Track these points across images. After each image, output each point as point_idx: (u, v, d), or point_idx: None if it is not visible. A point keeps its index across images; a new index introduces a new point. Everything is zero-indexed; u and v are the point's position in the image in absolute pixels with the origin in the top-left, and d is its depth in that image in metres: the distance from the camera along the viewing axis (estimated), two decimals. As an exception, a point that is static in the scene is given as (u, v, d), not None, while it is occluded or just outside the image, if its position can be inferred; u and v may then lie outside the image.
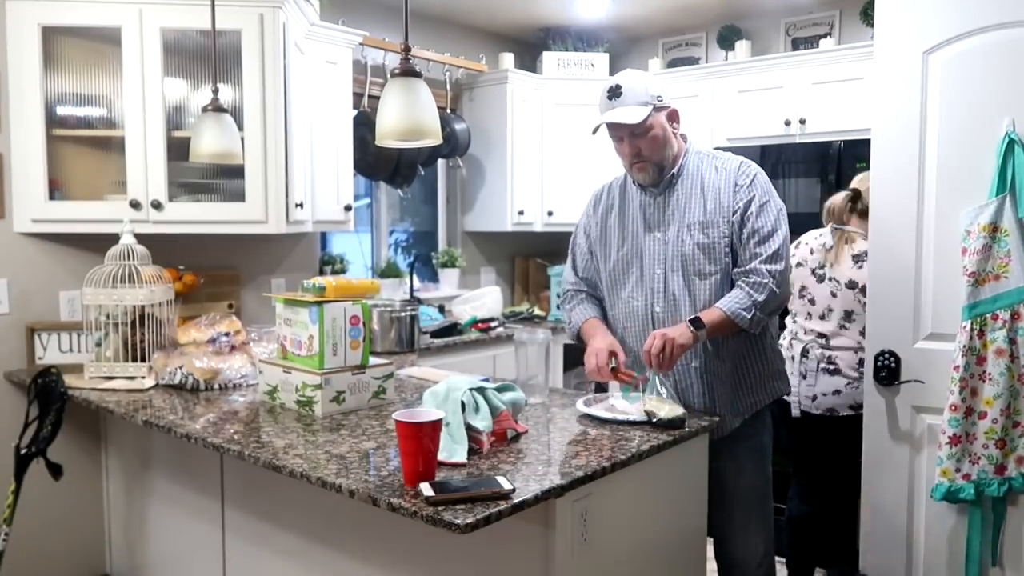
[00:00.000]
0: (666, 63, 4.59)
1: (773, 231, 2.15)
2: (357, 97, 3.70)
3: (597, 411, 2.09)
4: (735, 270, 2.17)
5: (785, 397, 2.45)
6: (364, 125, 3.59)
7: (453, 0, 4.05)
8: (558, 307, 4.33)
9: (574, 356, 3.97)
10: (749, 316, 2.09)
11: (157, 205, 2.79)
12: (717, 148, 4.03)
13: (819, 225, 3.73)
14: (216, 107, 2.53)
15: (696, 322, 2.07)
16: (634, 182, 2.29)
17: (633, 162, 2.21)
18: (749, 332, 2.15)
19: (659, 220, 2.24)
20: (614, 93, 2.17)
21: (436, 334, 3.71)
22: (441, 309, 4.17)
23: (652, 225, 2.25)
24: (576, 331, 2.35)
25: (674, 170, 2.23)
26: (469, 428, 1.79)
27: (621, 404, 2.13)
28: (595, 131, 2.24)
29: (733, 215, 2.16)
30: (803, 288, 2.77)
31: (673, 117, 2.23)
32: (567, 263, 2.48)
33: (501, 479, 1.55)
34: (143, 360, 2.61)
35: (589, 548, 1.70)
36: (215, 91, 2.55)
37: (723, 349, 2.21)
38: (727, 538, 2.32)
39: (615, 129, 2.19)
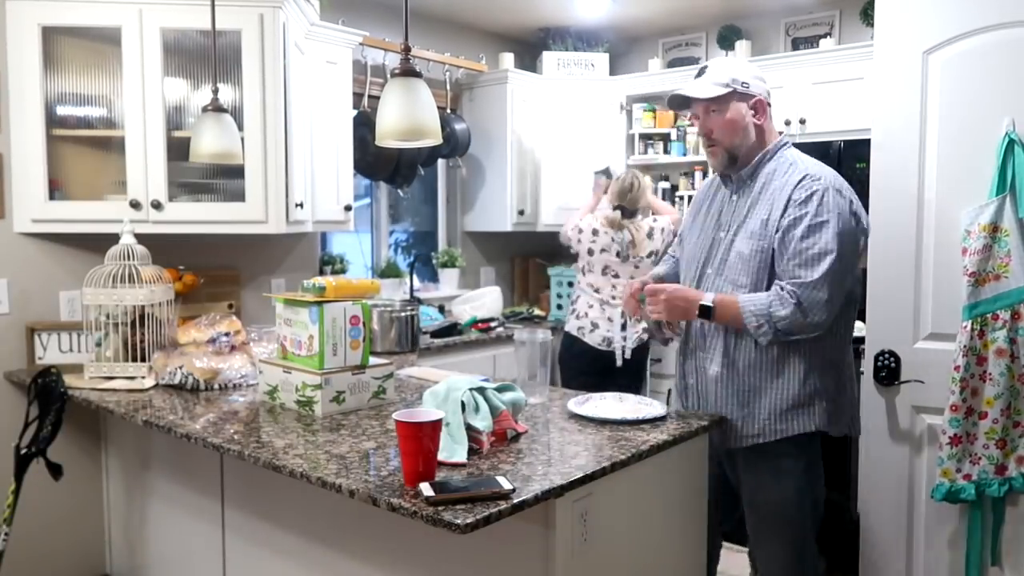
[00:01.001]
0: (666, 63, 4.59)
1: (821, 255, 1.97)
2: (357, 97, 3.70)
3: (588, 411, 2.09)
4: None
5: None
6: (364, 125, 3.59)
7: (453, 0, 4.05)
8: (559, 307, 4.33)
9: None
10: (756, 323, 2.00)
11: (157, 205, 2.79)
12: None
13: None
14: (216, 107, 2.53)
15: (704, 309, 2.06)
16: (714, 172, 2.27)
17: (706, 144, 2.17)
18: (761, 345, 2.06)
19: (728, 220, 2.17)
20: (700, 72, 2.18)
21: (436, 334, 3.71)
22: (441, 309, 4.17)
23: (722, 223, 2.19)
24: None
25: (748, 167, 2.14)
26: (469, 428, 1.79)
27: (613, 404, 2.15)
28: (669, 104, 2.23)
29: (776, 232, 2.04)
30: (606, 267, 3.52)
31: (759, 108, 2.13)
32: None
33: (501, 479, 1.55)
34: (143, 360, 2.61)
35: (589, 548, 1.70)
36: (215, 91, 2.55)
37: (739, 361, 2.12)
38: (752, 546, 2.30)
39: (689, 104, 2.17)
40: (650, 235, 3.53)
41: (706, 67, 2.17)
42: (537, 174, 4.46)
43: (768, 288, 2.05)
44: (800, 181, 2.05)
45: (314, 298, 2.19)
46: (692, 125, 2.21)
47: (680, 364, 2.31)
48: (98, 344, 2.63)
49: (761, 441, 2.12)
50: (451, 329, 3.79)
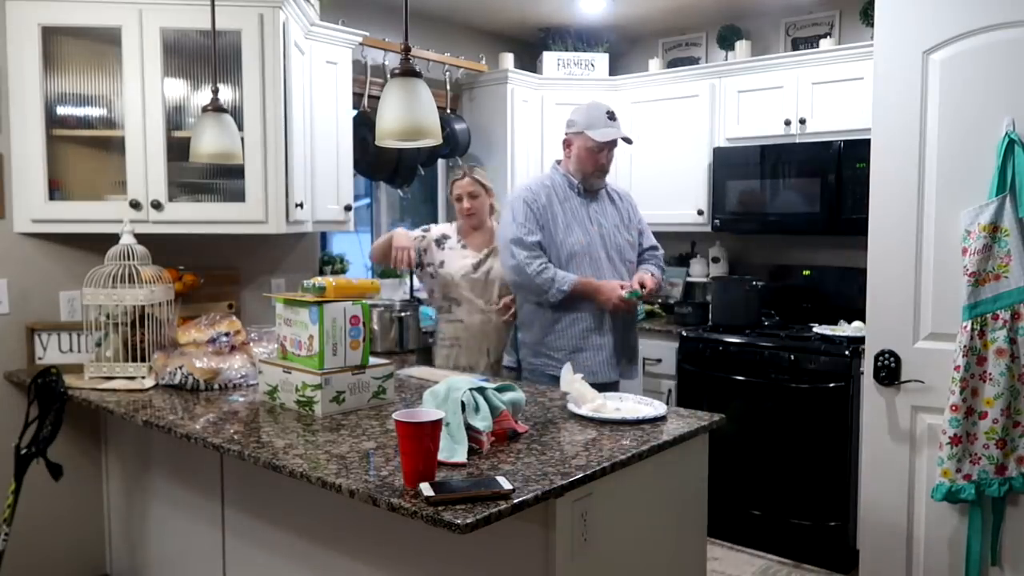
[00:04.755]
0: (666, 63, 4.58)
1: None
2: (357, 97, 3.70)
3: (588, 411, 2.09)
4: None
5: None
6: (364, 125, 3.59)
7: (453, 0, 4.05)
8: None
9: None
10: None
11: (157, 205, 2.79)
12: (717, 148, 4.04)
13: (820, 225, 3.74)
14: (216, 107, 2.53)
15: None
16: (572, 186, 2.99)
17: (604, 171, 2.99)
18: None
19: (598, 220, 3.02)
20: (613, 116, 2.93)
21: (436, 334, 3.70)
22: (441, 309, 4.16)
23: (593, 222, 2.99)
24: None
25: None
26: (469, 428, 1.79)
27: (613, 404, 2.15)
28: (605, 143, 2.91)
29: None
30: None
31: None
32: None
33: (501, 479, 1.55)
34: (143, 360, 2.61)
35: (589, 548, 1.70)
36: (215, 91, 2.55)
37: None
38: None
39: (612, 143, 2.93)
40: None
41: (614, 112, 2.95)
42: (537, 174, 4.45)
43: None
44: (621, 191, 3.19)
45: (314, 298, 2.20)
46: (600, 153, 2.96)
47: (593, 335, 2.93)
48: (98, 344, 2.63)
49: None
50: (451, 329, 3.78)
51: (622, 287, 2.88)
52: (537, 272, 2.84)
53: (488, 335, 3.17)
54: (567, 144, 3.00)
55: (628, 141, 2.94)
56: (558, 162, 3.07)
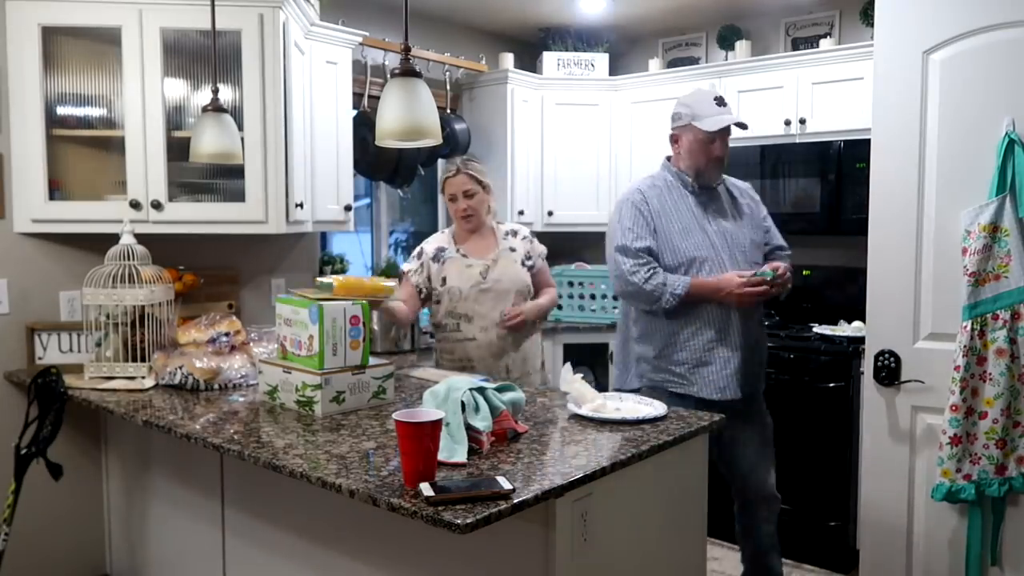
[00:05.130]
0: (666, 63, 4.58)
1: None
2: (357, 97, 3.70)
3: (588, 411, 2.09)
4: None
5: None
6: (364, 125, 3.59)
7: (453, 0, 4.05)
8: (559, 307, 4.32)
9: (574, 355, 3.97)
10: None
11: (157, 205, 2.79)
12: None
13: (820, 225, 3.74)
14: (216, 107, 2.53)
15: None
16: (686, 185, 2.69)
17: (719, 163, 2.67)
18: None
19: (714, 217, 2.71)
20: (722, 101, 2.66)
21: (436, 334, 3.70)
22: (441, 309, 4.16)
23: (710, 220, 2.69)
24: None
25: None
26: (469, 428, 1.79)
27: (613, 404, 2.15)
28: (723, 130, 2.63)
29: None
30: None
31: None
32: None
33: (501, 479, 1.55)
34: (143, 360, 2.61)
35: (589, 548, 1.70)
36: (215, 91, 2.55)
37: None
38: (758, 476, 2.74)
39: (725, 131, 2.63)
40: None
41: (723, 97, 2.67)
42: (537, 174, 4.46)
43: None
44: (744, 186, 2.86)
45: (322, 296, 2.19)
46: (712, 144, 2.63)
47: (710, 347, 2.60)
48: (98, 344, 2.63)
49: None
50: (451, 329, 3.78)
51: (741, 276, 2.56)
52: (645, 279, 2.56)
53: (506, 351, 2.85)
54: (675, 140, 2.71)
55: (742, 126, 2.65)
56: (668, 159, 2.75)
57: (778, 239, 2.85)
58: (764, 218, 2.83)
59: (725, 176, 2.77)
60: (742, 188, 2.84)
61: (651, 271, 2.57)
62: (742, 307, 2.59)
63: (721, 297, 2.56)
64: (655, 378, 2.65)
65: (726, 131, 2.63)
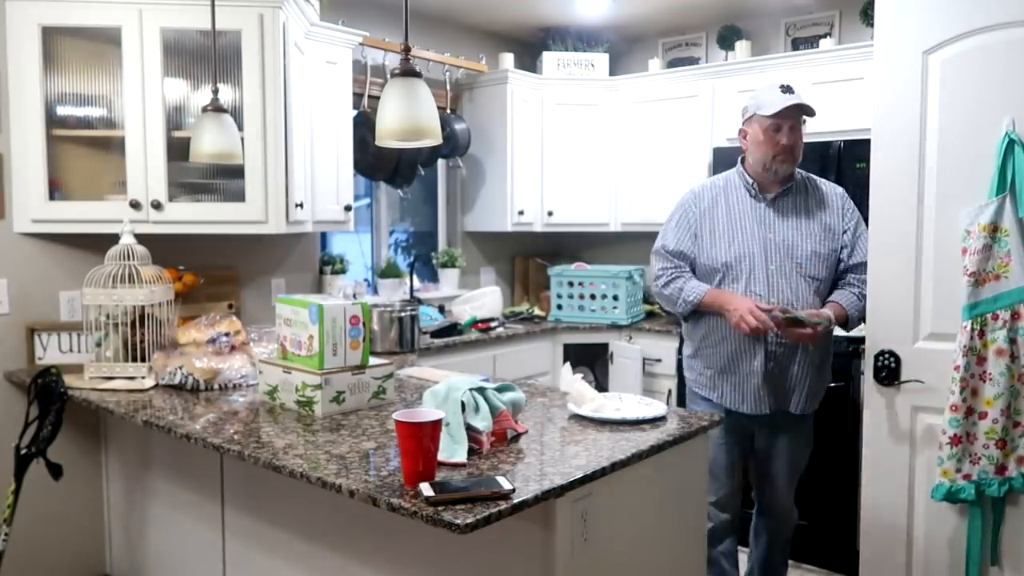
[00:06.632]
0: (666, 63, 4.59)
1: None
2: (357, 97, 3.70)
3: (588, 411, 2.09)
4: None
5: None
6: (364, 125, 3.59)
7: (453, 0, 4.05)
8: (559, 307, 4.33)
9: (574, 355, 3.98)
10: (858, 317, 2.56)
11: (157, 205, 2.79)
12: (717, 148, 4.03)
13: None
14: (216, 107, 2.53)
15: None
16: (747, 186, 2.57)
17: (786, 156, 2.50)
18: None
19: (775, 224, 2.56)
20: (789, 88, 2.49)
21: (436, 334, 3.71)
22: (441, 309, 4.17)
23: (767, 228, 2.55)
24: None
25: (789, 180, 2.59)
26: (469, 428, 1.79)
27: (613, 404, 2.15)
28: (783, 112, 2.45)
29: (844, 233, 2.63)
30: None
31: None
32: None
33: (501, 479, 1.55)
34: (143, 360, 2.61)
35: (589, 548, 1.70)
36: (215, 91, 2.55)
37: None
38: (779, 494, 2.75)
39: (789, 115, 2.46)
40: None
41: (792, 86, 2.52)
42: (537, 174, 4.46)
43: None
44: (831, 191, 2.62)
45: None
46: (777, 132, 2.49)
47: (753, 360, 2.52)
48: (98, 344, 2.63)
49: (810, 411, 2.62)
50: (451, 329, 3.79)
51: (768, 309, 2.38)
52: (666, 282, 2.56)
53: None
54: (743, 136, 2.59)
55: (808, 111, 2.48)
56: (742, 160, 2.63)
57: (858, 256, 2.54)
58: (847, 231, 2.57)
59: (815, 178, 2.65)
60: (830, 193, 2.62)
61: (673, 275, 2.55)
62: (752, 335, 2.42)
63: (726, 313, 2.46)
64: (688, 376, 2.72)
65: (792, 117, 2.47)
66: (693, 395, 2.71)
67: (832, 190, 2.64)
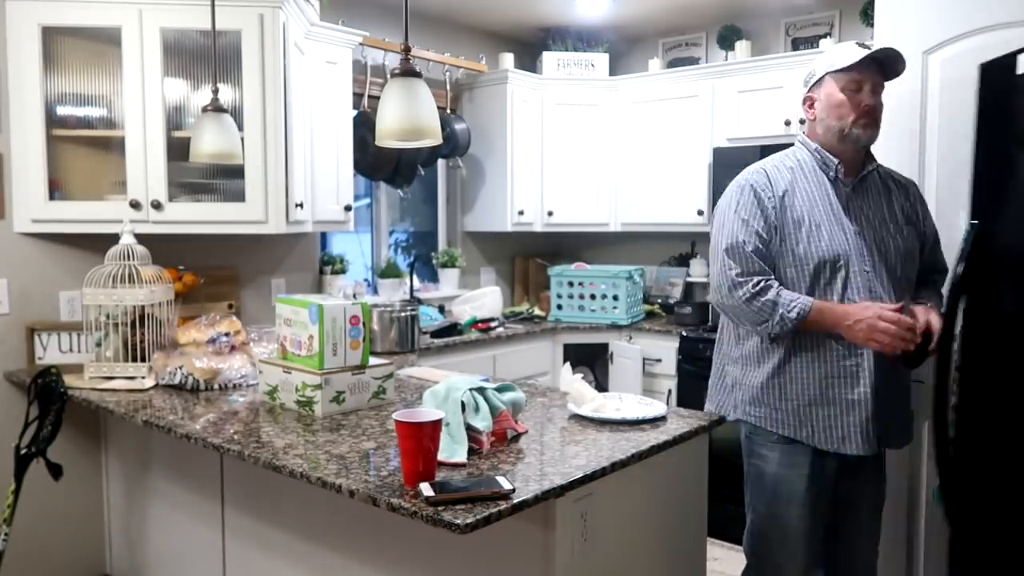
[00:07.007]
0: (666, 63, 4.59)
1: None
2: (357, 97, 3.70)
3: (588, 411, 2.09)
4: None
5: None
6: (364, 125, 3.59)
7: (453, 0, 4.05)
8: (559, 307, 4.33)
9: (574, 355, 3.97)
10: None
11: (157, 205, 2.79)
12: (717, 148, 4.01)
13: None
14: (216, 107, 2.53)
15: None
16: (826, 166, 2.07)
17: (869, 121, 2.02)
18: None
19: (863, 215, 2.08)
20: (864, 44, 2.04)
21: (436, 334, 3.71)
22: (441, 309, 4.17)
23: (853, 219, 2.06)
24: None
25: (863, 161, 2.10)
26: (469, 428, 1.79)
27: (613, 404, 2.15)
28: (867, 63, 2.00)
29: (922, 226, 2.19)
30: None
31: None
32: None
33: (501, 479, 1.55)
34: (143, 360, 2.61)
35: (589, 548, 1.70)
36: (215, 91, 2.55)
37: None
38: (862, 544, 2.23)
39: (871, 71, 2.00)
40: None
41: (866, 43, 2.06)
42: (537, 174, 4.46)
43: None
44: (900, 175, 2.20)
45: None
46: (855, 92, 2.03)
47: (869, 382, 2.01)
48: (98, 344, 2.63)
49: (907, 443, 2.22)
50: (451, 329, 3.79)
51: (896, 309, 1.92)
52: (752, 293, 1.99)
53: None
54: (809, 105, 2.13)
55: (893, 55, 1.99)
56: (807, 137, 2.16)
57: (936, 254, 2.19)
58: (926, 225, 2.17)
59: (885, 165, 2.17)
60: (900, 179, 2.18)
61: (760, 284, 1.99)
62: (879, 350, 1.93)
63: (846, 328, 1.93)
64: (756, 413, 2.10)
65: (872, 75, 2.01)
66: (759, 439, 2.11)
67: (905, 180, 2.20)
